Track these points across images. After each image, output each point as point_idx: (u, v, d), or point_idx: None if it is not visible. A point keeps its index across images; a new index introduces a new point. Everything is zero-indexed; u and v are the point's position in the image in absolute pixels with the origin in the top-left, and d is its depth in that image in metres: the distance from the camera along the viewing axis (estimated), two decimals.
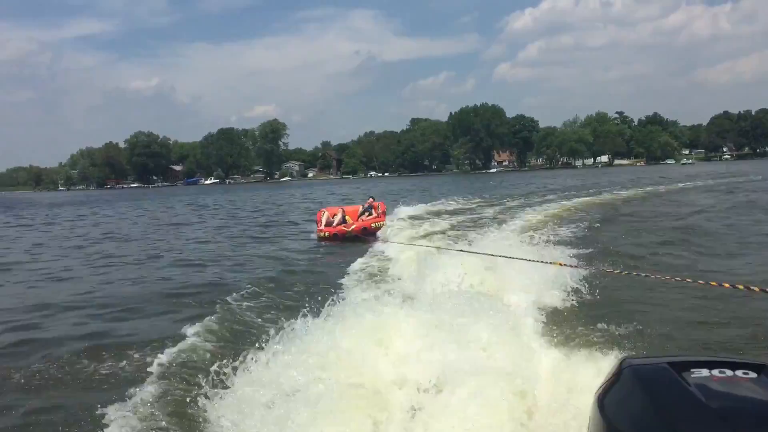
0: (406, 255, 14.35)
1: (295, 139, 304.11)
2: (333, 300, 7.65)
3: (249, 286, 11.59)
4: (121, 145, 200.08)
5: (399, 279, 12.08)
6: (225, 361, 6.72)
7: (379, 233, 20.58)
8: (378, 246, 17.37)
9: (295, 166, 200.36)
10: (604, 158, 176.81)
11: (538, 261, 9.03)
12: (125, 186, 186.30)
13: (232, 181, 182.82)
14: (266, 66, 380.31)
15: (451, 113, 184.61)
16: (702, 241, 16.51)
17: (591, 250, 14.45)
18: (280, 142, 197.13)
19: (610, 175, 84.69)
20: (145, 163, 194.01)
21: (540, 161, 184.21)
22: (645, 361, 3.16)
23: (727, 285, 5.61)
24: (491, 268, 9.91)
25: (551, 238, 16.54)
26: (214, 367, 6.60)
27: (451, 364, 5.77)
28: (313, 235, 22.14)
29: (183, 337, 8.09)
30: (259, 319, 9.23)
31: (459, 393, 5.26)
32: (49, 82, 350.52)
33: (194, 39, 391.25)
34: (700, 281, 6.92)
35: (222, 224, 31.32)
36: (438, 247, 13.66)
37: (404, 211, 27.49)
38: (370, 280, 12.32)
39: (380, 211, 23.51)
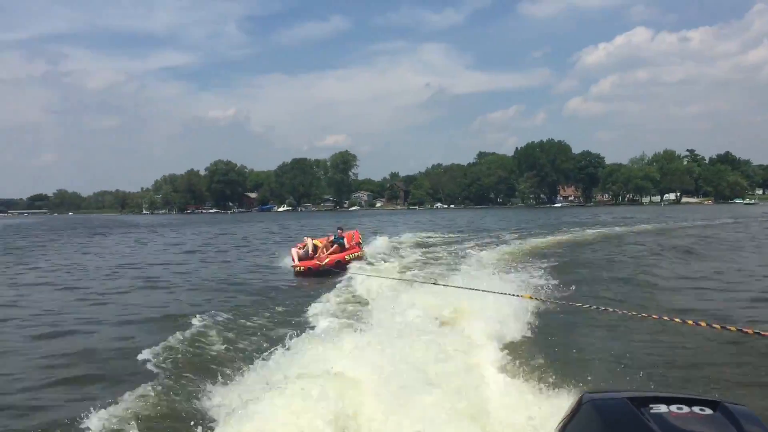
0: (375, 286, 15.06)
1: (365, 169, 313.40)
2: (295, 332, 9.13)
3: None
4: (201, 172, 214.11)
5: (364, 310, 12.54)
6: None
7: (352, 264, 20.94)
8: (349, 278, 17.75)
9: (363, 196, 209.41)
10: (672, 196, 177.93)
11: (506, 293, 9.42)
12: (204, 211, 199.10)
13: (303, 209, 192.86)
14: (338, 97, 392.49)
15: (517, 148, 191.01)
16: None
17: (569, 286, 15.42)
18: (350, 173, 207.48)
19: (658, 212, 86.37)
20: (222, 190, 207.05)
21: (606, 197, 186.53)
22: (605, 396, 3.16)
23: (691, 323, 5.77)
24: (459, 301, 10.32)
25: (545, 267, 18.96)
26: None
27: (403, 386, 6.14)
28: (290, 267, 21.94)
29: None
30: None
31: (408, 415, 5.68)
32: (134, 111, 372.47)
33: (269, 70, 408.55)
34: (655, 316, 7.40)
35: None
36: (410, 280, 14.34)
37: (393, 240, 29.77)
38: (336, 312, 12.81)
39: (354, 242, 23.73)
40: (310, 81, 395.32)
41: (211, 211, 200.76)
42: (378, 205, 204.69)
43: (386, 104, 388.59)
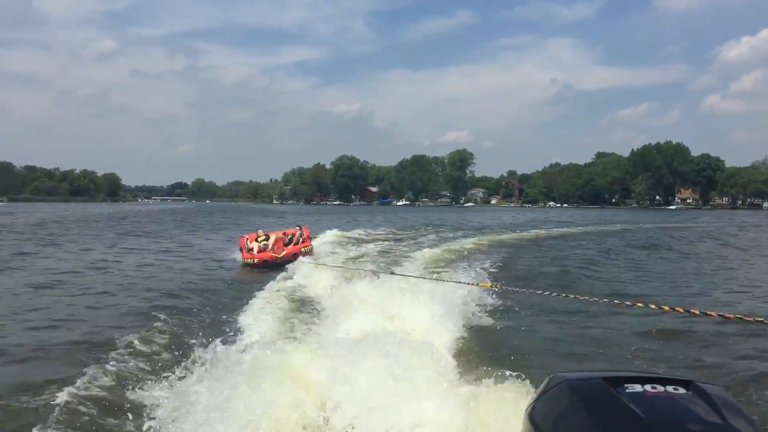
0: (324, 277, 15.16)
1: (484, 166, 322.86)
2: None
3: None
4: (327, 166, 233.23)
5: (314, 302, 12.64)
6: None
7: (304, 257, 21.26)
8: (300, 267, 18.10)
9: (479, 192, 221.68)
10: None
11: (462, 283, 9.90)
12: (328, 203, 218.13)
13: (420, 204, 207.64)
14: (461, 93, 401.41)
15: (633, 149, 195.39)
16: None
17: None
18: (467, 170, 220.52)
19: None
20: (346, 183, 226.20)
21: (725, 200, 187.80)
22: (579, 376, 3.21)
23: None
24: (407, 293, 10.08)
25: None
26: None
27: (360, 391, 6.01)
28: (239, 260, 22.28)
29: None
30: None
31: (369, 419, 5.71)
32: (265, 105, 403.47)
33: (394, 66, 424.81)
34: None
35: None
36: (369, 271, 13.67)
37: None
38: (286, 303, 12.69)
39: (305, 235, 24.96)
40: (433, 76, 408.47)
41: (335, 203, 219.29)
42: (493, 202, 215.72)
43: (509, 100, 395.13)
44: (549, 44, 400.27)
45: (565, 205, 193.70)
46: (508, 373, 6.39)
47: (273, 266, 20.40)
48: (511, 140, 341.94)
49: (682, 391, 2.93)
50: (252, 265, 21.11)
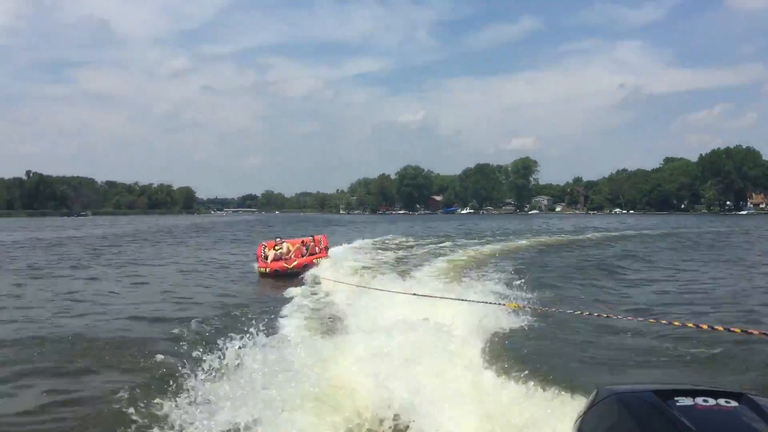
0: (342, 291, 15.29)
1: (549, 173, 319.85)
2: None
3: None
4: (392, 176, 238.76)
5: (338, 314, 12.77)
6: None
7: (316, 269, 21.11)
8: (321, 282, 18.28)
9: (543, 200, 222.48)
10: None
11: (489, 302, 9.78)
12: (393, 212, 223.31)
13: (485, 212, 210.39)
14: (526, 99, 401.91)
15: (701, 155, 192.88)
16: None
17: None
18: (531, 178, 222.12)
19: None
20: (411, 192, 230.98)
21: None
22: (628, 389, 3.15)
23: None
24: (432, 306, 9.94)
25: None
26: None
27: (412, 393, 6.26)
28: (255, 270, 22.50)
29: None
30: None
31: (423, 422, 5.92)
32: (331, 116, 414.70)
33: (458, 74, 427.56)
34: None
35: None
36: (380, 289, 12.58)
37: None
38: (311, 315, 13.19)
39: (322, 246, 24.36)
40: (498, 84, 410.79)
41: (400, 212, 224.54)
42: (558, 209, 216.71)
43: (576, 106, 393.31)
44: (616, 48, 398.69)
45: (632, 211, 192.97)
46: (552, 386, 6.46)
47: (286, 276, 20.86)
48: (577, 147, 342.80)
49: (733, 404, 2.85)
50: (264, 275, 21.45)
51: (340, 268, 20.52)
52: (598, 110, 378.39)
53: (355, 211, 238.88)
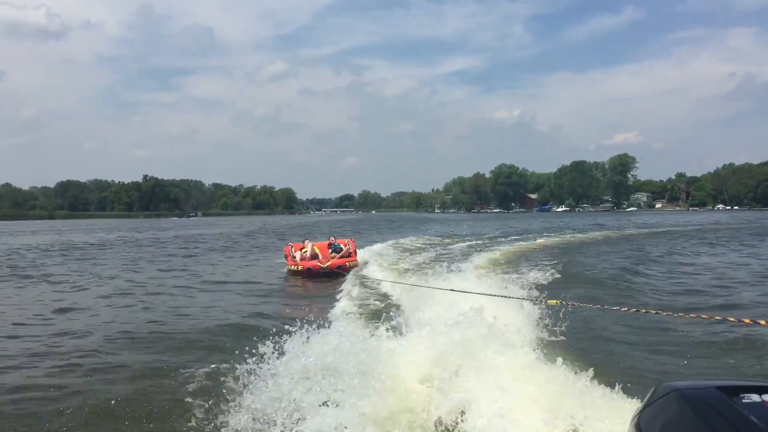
0: (397, 290, 15.32)
1: (652, 168, 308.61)
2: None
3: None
4: (486, 174, 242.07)
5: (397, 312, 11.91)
6: None
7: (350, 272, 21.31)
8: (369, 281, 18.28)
9: (642, 197, 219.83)
10: None
11: (525, 299, 9.75)
12: (488, 211, 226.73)
13: (580, 210, 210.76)
14: (629, 92, 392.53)
15: None
16: None
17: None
18: (629, 175, 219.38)
19: None
20: (505, 191, 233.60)
21: None
22: (690, 385, 3.01)
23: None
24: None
25: None
26: None
27: (475, 387, 6.28)
28: (284, 270, 22.98)
29: None
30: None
31: (486, 415, 5.86)
32: (426, 115, 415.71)
33: (556, 69, 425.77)
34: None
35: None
36: (429, 287, 11.90)
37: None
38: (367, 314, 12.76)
39: (351, 249, 24.05)
40: (598, 77, 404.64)
41: (494, 210, 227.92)
42: (658, 206, 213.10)
43: (683, 98, 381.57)
44: (726, 35, 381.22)
45: (736, 207, 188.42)
46: (607, 382, 6.43)
47: (318, 275, 21.35)
48: (683, 140, 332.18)
49: None
50: (295, 272, 21.87)
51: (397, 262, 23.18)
52: (705, 101, 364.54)
53: (450, 210, 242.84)
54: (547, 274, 18.54)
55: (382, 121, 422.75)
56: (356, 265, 22.67)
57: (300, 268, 21.86)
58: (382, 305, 13.89)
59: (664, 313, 10.10)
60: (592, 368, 6.53)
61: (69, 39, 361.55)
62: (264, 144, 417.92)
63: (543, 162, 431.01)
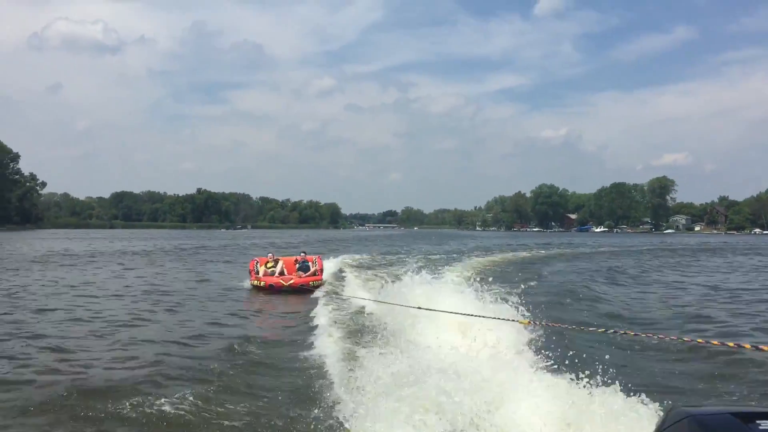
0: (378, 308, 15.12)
1: (699, 190, 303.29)
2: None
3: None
4: (527, 194, 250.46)
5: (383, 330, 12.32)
6: None
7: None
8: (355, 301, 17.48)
9: (681, 219, 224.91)
10: None
11: (502, 318, 9.49)
12: (528, 229, 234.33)
13: (619, 231, 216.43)
14: (678, 113, 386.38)
15: None
16: None
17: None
18: (668, 197, 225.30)
19: None
20: (545, 211, 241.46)
21: None
22: (705, 411, 2.99)
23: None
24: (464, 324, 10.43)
25: None
26: None
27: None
28: (246, 285, 22.86)
29: None
30: None
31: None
32: (471, 133, 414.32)
33: (604, 88, 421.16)
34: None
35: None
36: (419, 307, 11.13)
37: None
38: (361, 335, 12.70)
39: (317, 268, 23.60)
40: (647, 97, 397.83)
41: (534, 229, 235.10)
42: (697, 228, 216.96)
43: (735, 119, 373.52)
44: None
45: None
46: (618, 405, 6.38)
47: (280, 293, 21.36)
48: (733, 162, 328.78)
49: None
50: (258, 288, 21.88)
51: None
52: (757, 123, 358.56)
53: (491, 228, 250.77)
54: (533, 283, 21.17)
55: (426, 137, 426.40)
56: (321, 284, 22.30)
57: (262, 284, 22.00)
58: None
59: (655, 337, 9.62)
60: (603, 387, 6.79)
61: (123, 53, 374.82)
62: (310, 158, 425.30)
63: (588, 181, 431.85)
